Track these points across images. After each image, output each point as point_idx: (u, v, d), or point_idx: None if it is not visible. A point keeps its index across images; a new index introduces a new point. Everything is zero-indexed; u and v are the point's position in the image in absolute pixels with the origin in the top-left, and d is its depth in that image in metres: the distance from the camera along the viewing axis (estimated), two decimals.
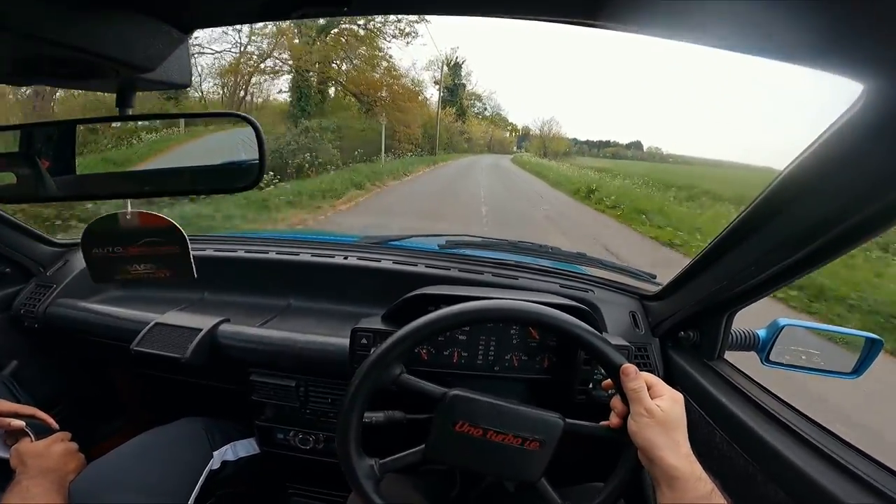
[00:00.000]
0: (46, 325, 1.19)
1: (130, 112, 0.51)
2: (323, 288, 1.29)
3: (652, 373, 0.99)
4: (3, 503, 0.78)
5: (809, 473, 0.63)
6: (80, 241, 0.64)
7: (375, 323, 0.96)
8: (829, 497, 0.59)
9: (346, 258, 1.28)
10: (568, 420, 0.68)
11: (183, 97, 11.52)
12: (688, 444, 0.61)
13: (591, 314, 0.92)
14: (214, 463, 1.05)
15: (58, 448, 0.91)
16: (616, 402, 0.67)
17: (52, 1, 0.34)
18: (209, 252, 1.32)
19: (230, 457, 1.10)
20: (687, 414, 0.70)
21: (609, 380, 0.68)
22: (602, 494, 0.68)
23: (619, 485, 0.68)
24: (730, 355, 0.97)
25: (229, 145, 0.55)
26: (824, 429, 0.71)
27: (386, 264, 1.25)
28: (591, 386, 0.92)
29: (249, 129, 0.51)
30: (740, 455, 0.76)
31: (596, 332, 0.68)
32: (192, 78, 0.50)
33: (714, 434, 0.83)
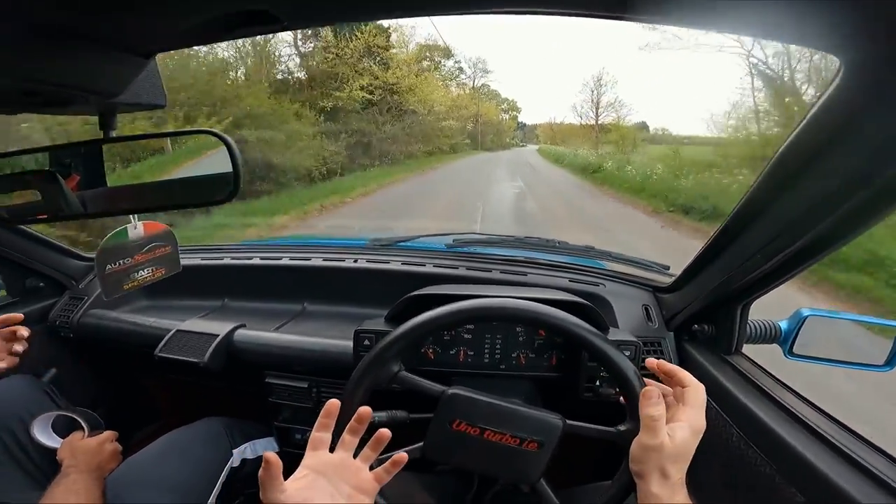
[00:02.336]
0: (80, 335, 1.26)
1: (114, 134, 0.53)
2: (335, 291, 1.32)
3: None
4: (53, 491, 0.80)
5: (832, 477, 0.59)
6: (94, 260, 0.67)
7: (378, 324, 0.97)
8: (848, 497, 0.55)
9: (355, 261, 1.30)
10: (569, 422, 0.67)
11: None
12: (683, 472, 0.58)
13: (594, 310, 0.89)
14: (234, 461, 1.09)
15: (109, 447, 0.96)
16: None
17: (16, 39, 0.36)
18: (227, 261, 1.38)
19: (249, 455, 1.14)
20: (708, 414, 0.67)
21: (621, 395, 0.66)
22: (605, 497, 0.67)
23: (623, 487, 0.66)
24: (750, 349, 0.91)
25: (212, 162, 0.57)
26: (849, 430, 0.66)
27: (394, 265, 1.26)
28: (598, 384, 0.90)
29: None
30: (758, 455, 0.72)
31: (602, 335, 0.66)
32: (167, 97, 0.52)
33: (731, 432, 0.79)
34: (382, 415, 0.74)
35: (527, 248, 1.31)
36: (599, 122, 30.41)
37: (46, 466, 1.00)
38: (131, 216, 0.65)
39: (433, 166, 20.00)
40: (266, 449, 1.19)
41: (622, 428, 0.67)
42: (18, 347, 0.91)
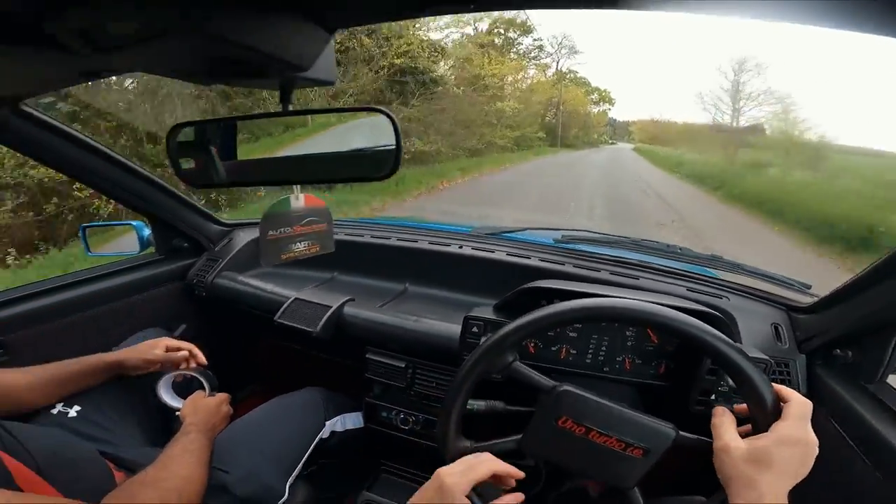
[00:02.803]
0: (212, 295, 1.40)
1: (291, 108, 0.58)
2: (437, 275, 1.34)
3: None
4: (172, 448, 0.82)
5: None
6: (258, 224, 0.72)
7: (487, 312, 0.97)
8: None
9: (461, 247, 1.31)
10: (681, 433, 0.64)
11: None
12: (779, 490, 0.54)
13: (725, 323, 0.82)
14: (325, 432, 1.13)
15: (224, 408, 0.99)
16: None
17: (229, 6, 0.39)
18: (341, 236, 1.45)
19: (338, 428, 1.18)
20: (830, 440, 0.60)
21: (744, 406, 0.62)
22: None
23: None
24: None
25: (361, 134, 0.60)
26: None
27: (499, 255, 1.25)
28: (712, 397, 0.84)
29: (381, 119, 0.55)
30: (887, 487, 0.67)
31: (742, 350, 0.61)
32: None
33: (856, 462, 0.73)
34: (481, 403, 0.75)
35: (642, 250, 1.24)
36: (741, 119, 22.97)
37: (161, 424, 1.06)
38: (294, 187, 0.69)
39: (466, 176, 12.34)
40: (354, 424, 1.23)
41: None
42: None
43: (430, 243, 1.35)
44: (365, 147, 0.59)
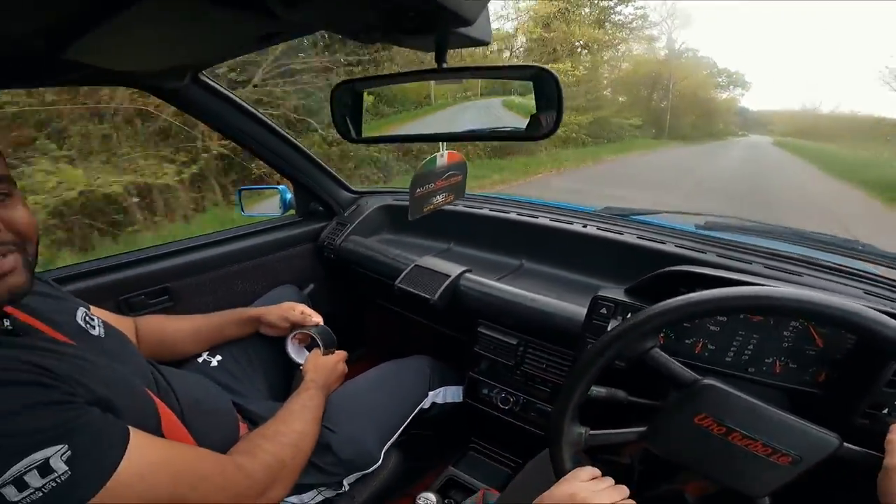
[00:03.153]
0: (338, 257, 1.50)
1: (445, 66, 0.58)
2: (556, 253, 1.29)
3: None
4: (292, 403, 0.85)
5: None
6: (409, 185, 0.75)
7: (618, 294, 0.91)
8: None
9: (584, 226, 1.25)
10: (846, 444, 0.57)
11: None
12: None
13: None
14: (426, 402, 1.14)
15: (341, 367, 1.02)
16: None
17: None
18: (460, 207, 1.46)
19: (439, 400, 1.19)
20: None
21: None
22: None
23: None
24: None
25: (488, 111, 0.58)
26: None
27: (629, 238, 1.17)
28: (886, 411, 0.72)
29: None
30: None
31: None
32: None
33: None
34: (602, 390, 0.71)
35: (807, 243, 1.06)
36: None
37: (283, 380, 1.12)
38: (440, 145, 0.72)
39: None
40: (454, 398, 1.24)
41: None
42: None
43: (552, 220, 1.31)
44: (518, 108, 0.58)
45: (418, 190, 0.73)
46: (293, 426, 0.80)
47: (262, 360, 1.09)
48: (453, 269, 1.20)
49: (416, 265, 1.26)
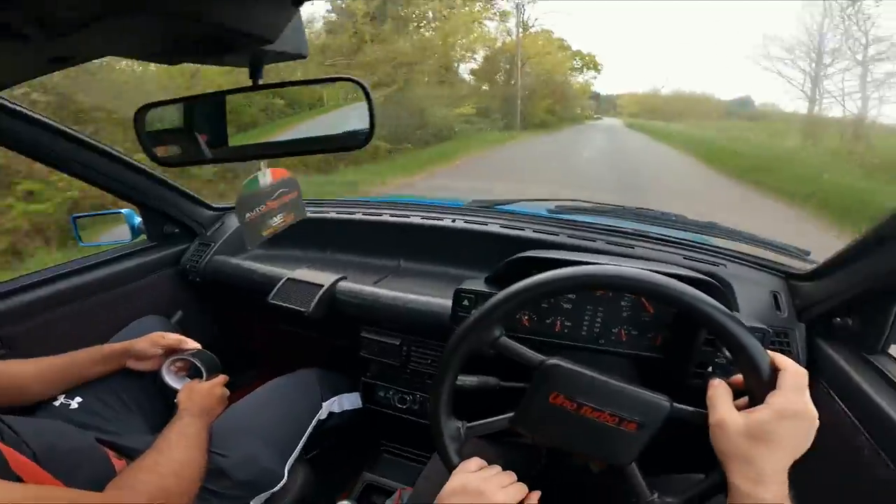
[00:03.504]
0: (206, 279, 1.39)
1: (261, 82, 0.56)
2: (431, 250, 1.33)
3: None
4: (168, 433, 0.83)
5: None
6: (235, 209, 0.73)
7: (478, 285, 0.96)
8: None
9: (453, 221, 1.30)
10: (675, 404, 0.61)
11: None
12: (777, 467, 0.52)
13: (721, 291, 0.81)
14: (323, 413, 1.13)
15: (218, 391, 0.99)
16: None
17: None
18: (332, 214, 1.44)
19: (336, 408, 1.18)
20: (829, 412, 0.56)
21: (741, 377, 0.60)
22: (696, 489, 0.61)
23: (714, 484, 0.59)
24: None
25: (343, 117, 0.58)
26: None
27: (493, 228, 1.24)
28: (709, 369, 0.82)
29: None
30: (889, 467, 0.65)
31: (738, 318, 0.59)
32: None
33: (859, 438, 0.71)
34: (473, 379, 0.73)
35: (638, 219, 1.22)
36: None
37: (164, 411, 1.04)
38: (261, 163, 0.69)
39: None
40: (353, 404, 1.23)
41: None
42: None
43: (423, 218, 1.34)
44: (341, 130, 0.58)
45: (248, 215, 0.70)
46: (172, 455, 0.77)
47: (135, 396, 1.02)
48: (327, 279, 1.18)
49: (288, 279, 1.21)
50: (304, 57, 0.54)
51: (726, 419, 0.55)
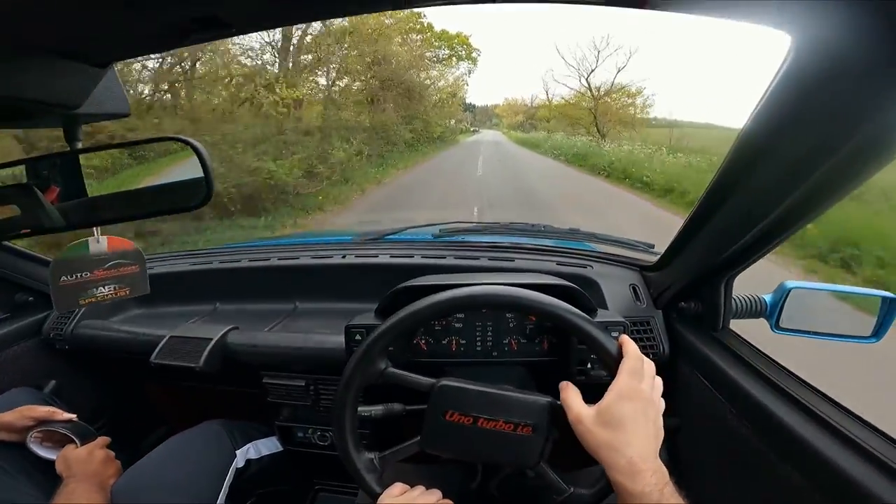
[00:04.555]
0: (75, 346, 1.26)
1: (80, 146, 0.53)
2: (325, 288, 1.32)
3: (657, 348, 0.97)
4: (55, 502, 0.83)
5: (823, 452, 0.58)
6: (49, 270, 0.67)
7: (368, 318, 0.97)
8: (844, 477, 0.55)
9: (343, 257, 1.30)
10: (556, 402, 0.66)
11: None
12: (644, 453, 0.55)
13: (581, 293, 0.89)
14: (239, 461, 1.09)
15: (99, 454, 0.97)
16: None
17: None
18: (215, 265, 1.37)
19: (253, 455, 1.14)
20: (696, 390, 0.62)
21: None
22: (604, 478, 0.67)
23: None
24: (739, 325, 0.91)
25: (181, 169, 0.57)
26: (837, 404, 0.66)
27: (383, 259, 1.26)
28: (588, 366, 0.89)
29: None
30: (751, 432, 0.73)
31: (585, 315, 0.66)
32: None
33: (724, 409, 0.79)
34: (379, 408, 0.74)
35: (513, 233, 1.31)
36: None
37: (53, 477, 1.00)
38: (94, 230, 0.64)
39: None
40: (270, 449, 1.20)
41: None
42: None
43: (313, 257, 1.33)
44: (176, 180, 0.56)
45: (64, 278, 0.65)
46: None
47: (14, 462, 0.98)
48: (215, 331, 1.12)
49: (170, 336, 1.14)
50: (126, 115, 0.53)
51: (580, 413, 0.59)
